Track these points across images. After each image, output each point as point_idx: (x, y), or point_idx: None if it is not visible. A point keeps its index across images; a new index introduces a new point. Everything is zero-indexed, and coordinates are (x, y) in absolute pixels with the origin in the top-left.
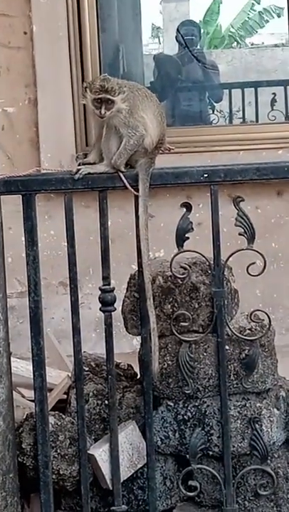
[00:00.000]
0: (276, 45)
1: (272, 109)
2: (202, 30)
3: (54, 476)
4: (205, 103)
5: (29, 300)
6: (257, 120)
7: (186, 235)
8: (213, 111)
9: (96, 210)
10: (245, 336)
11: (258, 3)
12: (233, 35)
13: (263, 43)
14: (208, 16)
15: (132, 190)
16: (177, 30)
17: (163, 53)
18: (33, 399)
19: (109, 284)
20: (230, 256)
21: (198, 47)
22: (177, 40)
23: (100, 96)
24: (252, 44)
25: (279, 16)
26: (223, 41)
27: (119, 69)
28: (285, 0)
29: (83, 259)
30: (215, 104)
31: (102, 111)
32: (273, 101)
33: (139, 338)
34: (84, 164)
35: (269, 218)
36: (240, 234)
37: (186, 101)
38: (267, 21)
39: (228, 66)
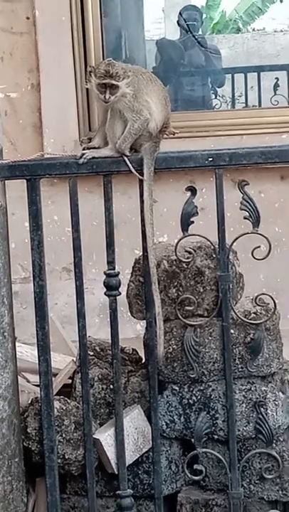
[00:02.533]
0: (280, 30)
1: (275, 94)
2: (204, 15)
3: (59, 461)
4: (207, 88)
5: (34, 285)
6: (260, 105)
7: (191, 219)
8: (216, 96)
9: (99, 195)
10: (250, 319)
11: None
12: (237, 21)
13: (264, 28)
14: (210, 0)
15: (137, 174)
16: (179, 14)
17: (165, 38)
18: (38, 384)
19: (114, 269)
20: (235, 239)
21: (200, 32)
22: (179, 25)
23: (104, 81)
24: (253, 29)
25: (281, 1)
26: (227, 27)
27: (121, 54)
28: None
29: (86, 245)
30: (217, 89)
31: (107, 95)
32: (276, 86)
33: (142, 323)
34: (88, 149)
35: (272, 203)
36: (245, 218)
37: (188, 86)
38: (268, 6)
39: (231, 51)
